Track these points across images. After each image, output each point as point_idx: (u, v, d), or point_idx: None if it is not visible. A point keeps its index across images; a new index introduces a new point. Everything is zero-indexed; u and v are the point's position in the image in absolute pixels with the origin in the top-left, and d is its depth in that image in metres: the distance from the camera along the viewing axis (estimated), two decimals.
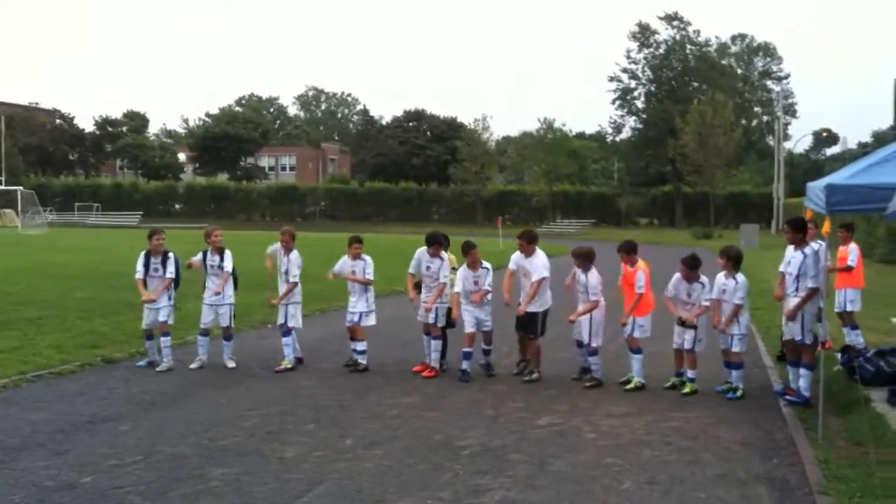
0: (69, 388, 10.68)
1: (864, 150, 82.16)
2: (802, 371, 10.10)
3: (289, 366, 11.93)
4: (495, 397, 10.50)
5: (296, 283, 12.14)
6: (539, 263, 11.42)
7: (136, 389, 10.67)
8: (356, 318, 12.13)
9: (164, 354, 11.95)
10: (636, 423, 9.33)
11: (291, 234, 12.30)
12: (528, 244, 11.54)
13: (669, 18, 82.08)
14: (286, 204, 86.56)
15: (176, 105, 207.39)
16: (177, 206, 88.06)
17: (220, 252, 12.20)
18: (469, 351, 11.61)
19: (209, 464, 7.63)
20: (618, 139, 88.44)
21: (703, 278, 10.89)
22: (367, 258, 12.26)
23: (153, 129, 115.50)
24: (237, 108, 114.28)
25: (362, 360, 12.06)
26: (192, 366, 11.95)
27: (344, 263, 12.30)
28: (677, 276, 10.96)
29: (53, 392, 10.46)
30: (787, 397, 10.26)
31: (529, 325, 11.47)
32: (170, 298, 12.12)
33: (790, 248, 10.47)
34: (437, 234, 12.21)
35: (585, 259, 11.29)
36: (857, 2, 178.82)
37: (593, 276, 11.19)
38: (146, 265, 12.07)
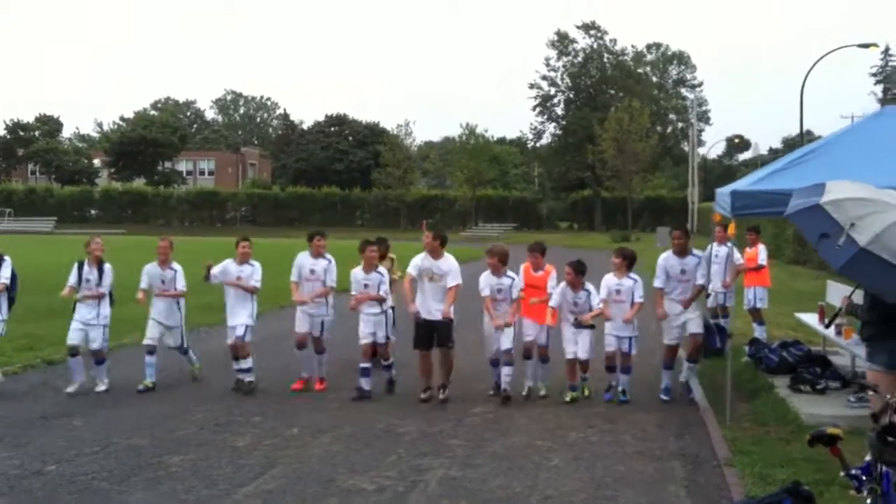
0: (14, 388, 10.94)
1: (774, 155, 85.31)
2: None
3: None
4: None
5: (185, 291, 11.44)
6: (455, 268, 10.42)
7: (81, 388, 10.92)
8: (241, 331, 10.88)
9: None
10: (562, 410, 10.08)
11: (170, 243, 11.50)
12: (439, 245, 10.42)
13: (587, 27, 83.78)
14: (206, 209, 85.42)
15: (89, 109, 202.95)
16: (93, 212, 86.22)
17: (100, 265, 11.00)
18: (366, 367, 10.65)
19: (166, 452, 8.09)
20: (538, 145, 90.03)
21: (589, 286, 10.63)
22: (256, 263, 11.15)
23: (67, 133, 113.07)
24: (153, 112, 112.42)
25: (250, 378, 10.94)
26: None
27: (226, 270, 11.06)
28: (563, 284, 10.59)
29: None
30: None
31: (447, 334, 10.41)
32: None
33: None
34: (319, 229, 11.71)
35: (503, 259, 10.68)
36: (769, 11, 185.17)
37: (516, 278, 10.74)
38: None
